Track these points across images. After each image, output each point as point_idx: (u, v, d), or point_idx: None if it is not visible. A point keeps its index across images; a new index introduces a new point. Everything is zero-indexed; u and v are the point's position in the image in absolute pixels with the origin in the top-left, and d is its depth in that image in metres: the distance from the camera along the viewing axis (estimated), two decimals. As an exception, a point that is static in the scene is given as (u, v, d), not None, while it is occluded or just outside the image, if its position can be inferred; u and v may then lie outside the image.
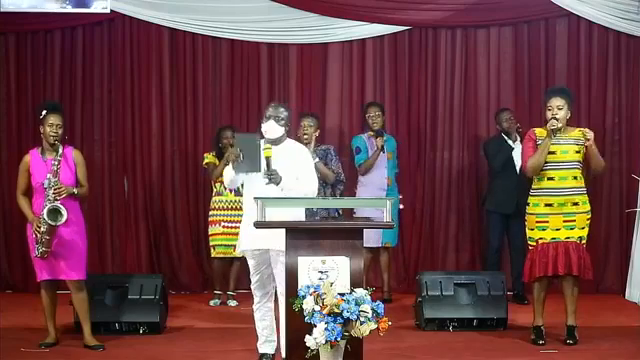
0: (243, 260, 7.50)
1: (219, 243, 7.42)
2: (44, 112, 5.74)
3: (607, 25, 7.91)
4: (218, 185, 7.42)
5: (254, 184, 5.08)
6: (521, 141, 7.36)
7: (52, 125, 5.69)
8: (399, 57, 8.12)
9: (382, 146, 7.23)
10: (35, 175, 5.71)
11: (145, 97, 8.08)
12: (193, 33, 8.05)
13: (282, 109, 5.20)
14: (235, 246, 7.36)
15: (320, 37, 8.07)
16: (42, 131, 5.74)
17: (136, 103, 8.08)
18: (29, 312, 6.76)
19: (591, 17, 7.90)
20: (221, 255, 7.45)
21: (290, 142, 5.31)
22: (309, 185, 5.18)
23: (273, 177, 5.01)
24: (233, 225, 7.38)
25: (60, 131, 5.71)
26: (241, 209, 7.34)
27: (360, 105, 8.00)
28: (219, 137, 7.45)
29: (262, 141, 5.08)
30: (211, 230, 7.46)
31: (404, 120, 8.10)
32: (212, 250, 7.48)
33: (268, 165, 5.03)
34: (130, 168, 8.12)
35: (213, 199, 7.46)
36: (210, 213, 7.48)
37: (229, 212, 7.40)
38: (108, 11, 7.88)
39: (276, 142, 5.17)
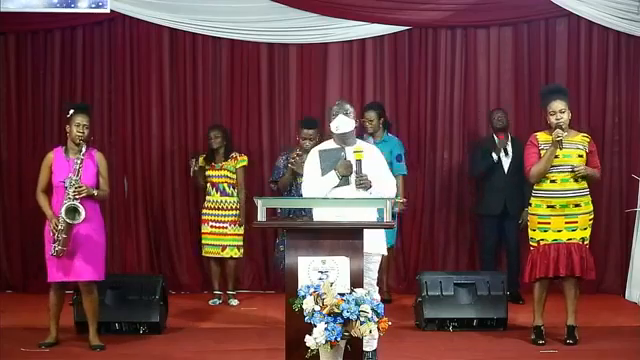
0: (238, 260, 7.54)
1: (207, 242, 7.49)
2: (71, 111, 5.76)
3: (607, 25, 7.90)
4: (208, 185, 7.48)
5: (337, 187, 5.09)
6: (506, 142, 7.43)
7: (79, 125, 5.70)
8: (399, 57, 8.11)
9: None
10: (57, 174, 5.70)
11: (145, 97, 8.08)
12: (193, 33, 8.04)
13: (347, 105, 5.19)
14: (222, 246, 7.40)
15: (320, 37, 8.06)
16: (68, 130, 5.75)
17: (136, 103, 8.08)
18: (29, 312, 6.77)
19: (591, 17, 7.89)
20: (209, 255, 7.50)
21: (360, 141, 5.28)
22: (391, 188, 5.18)
23: (363, 182, 5.02)
24: (220, 225, 7.41)
25: (86, 132, 5.72)
26: (227, 209, 7.42)
27: (360, 105, 7.99)
28: (208, 137, 7.52)
29: (347, 149, 5.10)
30: (202, 229, 7.54)
31: (404, 120, 8.09)
32: (203, 249, 7.54)
33: (359, 169, 5.04)
34: (130, 168, 8.11)
35: (205, 198, 7.53)
36: (202, 212, 7.55)
37: (216, 212, 7.43)
38: (108, 11, 7.88)
39: (348, 142, 5.15)
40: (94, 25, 8.04)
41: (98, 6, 7.78)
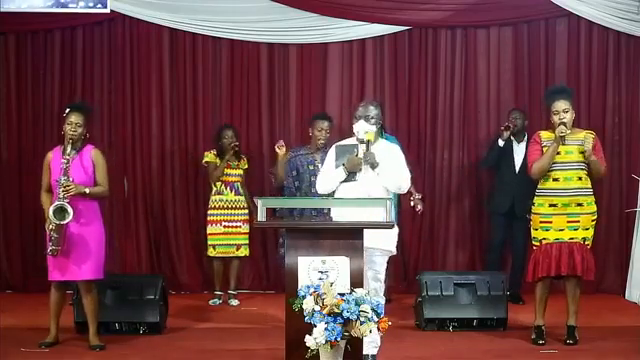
0: (242, 259, 7.55)
1: (220, 243, 7.44)
2: (67, 111, 5.80)
3: (607, 25, 7.90)
4: (219, 184, 7.43)
5: (345, 182, 5.17)
6: (517, 141, 7.43)
7: (71, 123, 5.72)
8: (399, 57, 8.12)
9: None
10: (53, 173, 5.72)
11: (145, 97, 8.08)
12: (193, 33, 8.05)
13: (371, 107, 5.28)
14: (237, 245, 7.40)
15: (320, 37, 8.06)
16: (64, 129, 5.77)
17: (136, 103, 8.08)
18: (29, 312, 6.77)
19: (591, 17, 7.89)
20: (221, 255, 7.46)
21: (384, 142, 5.36)
22: (404, 179, 5.23)
23: (369, 158, 5.09)
24: (234, 224, 7.40)
25: (79, 130, 5.74)
26: (240, 208, 7.42)
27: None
28: (220, 135, 7.48)
29: (362, 146, 5.19)
30: (210, 229, 7.46)
31: (404, 120, 8.10)
32: (211, 249, 7.48)
33: (368, 148, 5.12)
34: (130, 168, 8.12)
35: (212, 198, 7.47)
36: (209, 212, 7.49)
37: (230, 211, 7.41)
38: (108, 11, 7.88)
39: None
40: (94, 25, 8.05)
41: (95, 6, 7.80)
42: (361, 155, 5.15)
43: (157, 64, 8.08)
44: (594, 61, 8.04)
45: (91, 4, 7.78)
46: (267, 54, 8.12)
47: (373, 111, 5.24)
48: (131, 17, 7.99)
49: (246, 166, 7.54)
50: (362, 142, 5.18)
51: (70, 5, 7.81)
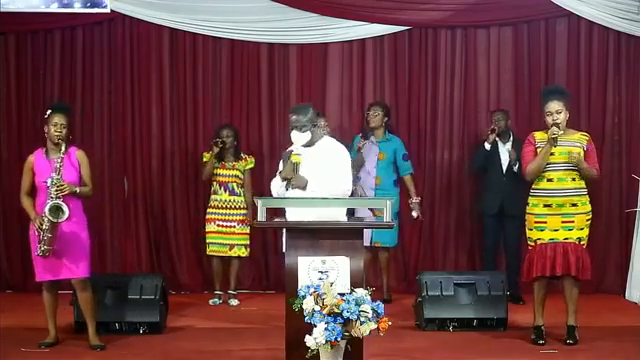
0: (242, 259, 7.56)
1: (213, 241, 7.47)
2: (49, 112, 5.80)
3: (607, 25, 7.90)
4: (214, 184, 7.46)
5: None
6: (502, 142, 7.43)
7: (56, 125, 5.73)
8: (399, 57, 8.12)
9: (359, 147, 7.23)
10: (39, 174, 5.73)
11: (145, 97, 8.08)
12: (193, 33, 8.05)
13: (301, 115, 5.26)
14: (230, 245, 7.41)
15: (320, 37, 8.07)
16: (46, 131, 5.78)
17: (136, 103, 8.08)
18: (29, 312, 6.76)
19: (591, 17, 7.89)
20: (215, 253, 7.48)
21: (326, 141, 5.37)
22: (340, 186, 5.22)
23: (296, 182, 5.14)
24: (227, 224, 7.41)
25: (64, 131, 5.75)
26: (235, 208, 7.43)
27: (360, 105, 8.02)
28: (217, 135, 7.50)
29: (293, 147, 5.26)
30: (207, 228, 7.51)
31: (404, 120, 8.09)
32: (207, 247, 7.51)
33: (295, 171, 5.16)
34: (130, 168, 8.12)
35: (210, 197, 7.50)
36: (207, 211, 7.53)
37: (224, 211, 7.42)
38: (108, 11, 7.89)
39: (310, 144, 5.27)
40: (94, 25, 8.05)
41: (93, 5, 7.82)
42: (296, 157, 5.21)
43: (157, 64, 8.08)
44: (594, 61, 8.03)
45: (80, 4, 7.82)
46: (267, 54, 8.12)
47: (303, 118, 5.24)
48: (131, 17, 7.99)
49: (249, 166, 7.52)
50: (285, 179, 5.23)
51: (52, 6, 7.83)
